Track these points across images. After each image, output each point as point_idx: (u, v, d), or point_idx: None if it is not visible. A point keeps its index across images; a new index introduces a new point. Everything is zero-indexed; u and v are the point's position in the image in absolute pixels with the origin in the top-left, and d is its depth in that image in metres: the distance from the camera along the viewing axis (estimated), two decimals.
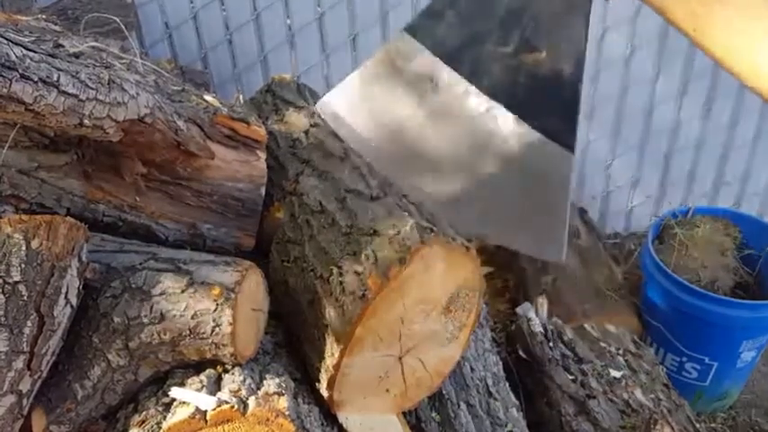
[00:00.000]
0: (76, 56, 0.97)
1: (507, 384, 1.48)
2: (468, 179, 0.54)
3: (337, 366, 0.99)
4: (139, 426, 0.90)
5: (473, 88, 0.55)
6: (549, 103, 0.53)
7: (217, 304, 0.94)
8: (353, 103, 0.59)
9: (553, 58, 0.53)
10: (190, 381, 0.95)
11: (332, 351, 1.00)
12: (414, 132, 0.55)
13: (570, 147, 0.53)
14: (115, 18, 1.45)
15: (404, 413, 1.15)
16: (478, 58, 0.55)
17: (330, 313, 1.00)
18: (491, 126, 0.53)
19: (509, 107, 0.54)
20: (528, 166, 0.53)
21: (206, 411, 0.86)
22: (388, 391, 1.08)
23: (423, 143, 0.55)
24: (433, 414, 1.24)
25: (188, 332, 0.94)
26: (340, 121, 0.59)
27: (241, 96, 1.91)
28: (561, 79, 0.52)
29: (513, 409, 1.40)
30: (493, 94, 0.54)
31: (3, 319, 0.85)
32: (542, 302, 1.83)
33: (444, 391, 1.26)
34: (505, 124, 0.53)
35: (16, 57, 0.76)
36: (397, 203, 1.10)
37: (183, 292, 0.95)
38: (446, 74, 0.55)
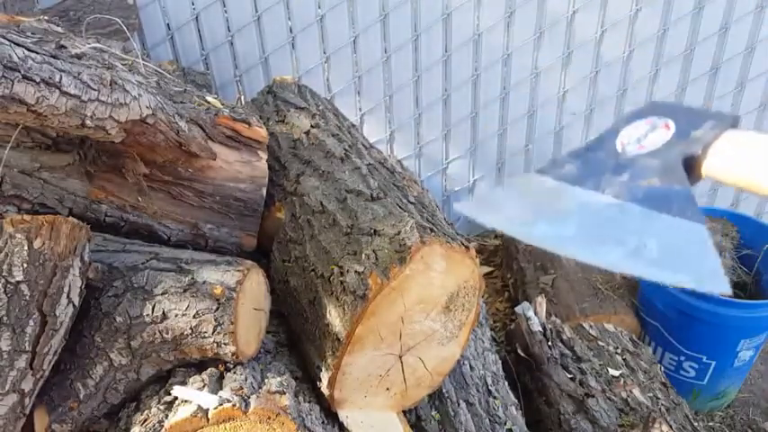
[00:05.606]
0: (78, 57, 0.97)
1: (506, 383, 1.48)
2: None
3: (338, 365, 1.00)
4: (141, 424, 0.90)
5: (596, 192, 0.69)
6: (668, 203, 0.64)
7: (218, 304, 0.95)
8: (496, 204, 0.73)
9: (664, 183, 0.66)
10: (192, 379, 0.95)
11: (333, 350, 1.00)
12: (555, 214, 0.68)
13: (701, 221, 0.61)
14: (117, 19, 1.45)
15: (404, 411, 1.15)
16: (599, 182, 0.70)
17: (331, 312, 1.01)
18: (620, 213, 0.65)
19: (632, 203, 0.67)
20: (663, 242, 0.62)
21: (208, 410, 0.86)
22: (388, 389, 1.09)
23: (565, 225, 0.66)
24: (433, 412, 1.24)
25: (190, 331, 0.95)
26: (486, 214, 0.71)
27: (242, 97, 1.92)
28: (673, 188, 0.64)
29: (513, 407, 1.40)
30: (616, 196, 0.67)
31: (5, 318, 0.86)
32: (541, 302, 1.84)
33: (444, 390, 1.27)
34: (633, 210, 0.65)
35: (18, 58, 0.76)
36: (398, 203, 1.10)
37: (184, 291, 0.96)
38: (570, 188, 0.70)
